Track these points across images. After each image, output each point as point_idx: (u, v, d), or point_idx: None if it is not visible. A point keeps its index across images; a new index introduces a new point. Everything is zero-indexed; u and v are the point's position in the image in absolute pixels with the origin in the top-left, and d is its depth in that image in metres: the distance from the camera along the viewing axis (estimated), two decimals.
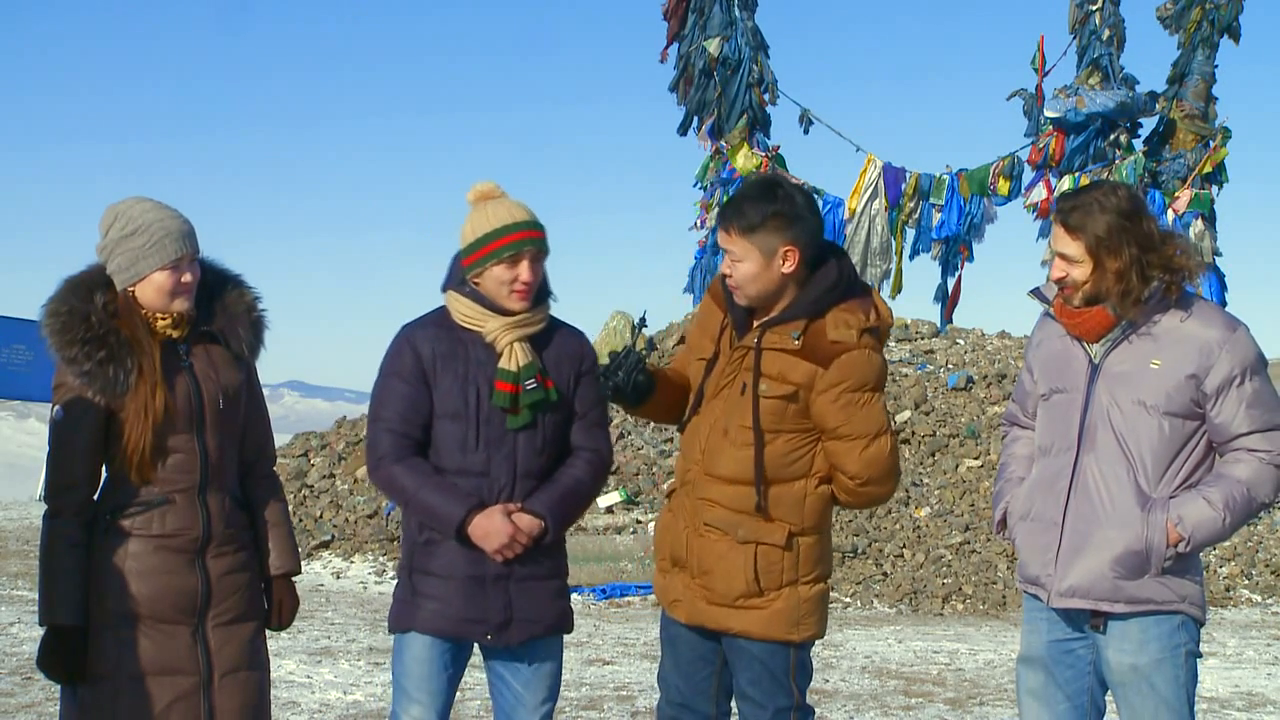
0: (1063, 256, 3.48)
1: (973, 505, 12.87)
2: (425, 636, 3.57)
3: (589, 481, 3.67)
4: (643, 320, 3.71)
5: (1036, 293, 3.69)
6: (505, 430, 3.55)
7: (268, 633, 3.68)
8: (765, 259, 3.48)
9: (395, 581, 3.72)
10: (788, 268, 3.49)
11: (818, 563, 3.58)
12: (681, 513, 3.65)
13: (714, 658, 3.65)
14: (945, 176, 16.73)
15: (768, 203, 3.49)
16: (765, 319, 3.55)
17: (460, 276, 3.62)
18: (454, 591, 3.54)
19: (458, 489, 3.52)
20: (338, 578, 11.74)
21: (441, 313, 3.65)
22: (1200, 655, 3.56)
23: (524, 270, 3.54)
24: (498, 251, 3.53)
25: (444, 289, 3.67)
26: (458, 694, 3.76)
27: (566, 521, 3.63)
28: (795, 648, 3.56)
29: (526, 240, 3.55)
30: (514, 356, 3.54)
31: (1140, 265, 3.40)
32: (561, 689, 7.09)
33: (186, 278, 3.44)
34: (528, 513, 3.54)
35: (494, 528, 3.49)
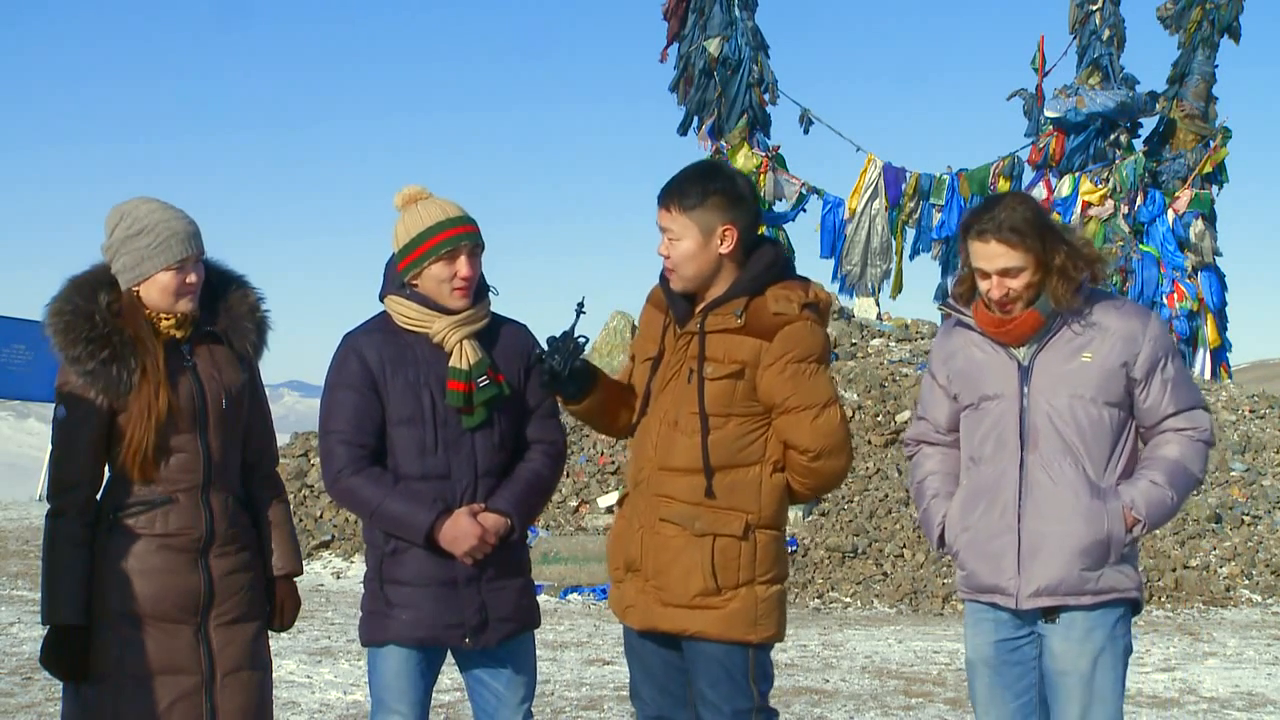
0: (1003, 273, 3.49)
1: None
2: (402, 648, 3.54)
3: (548, 474, 3.66)
4: (581, 305, 3.62)
5: (948, 305, 3.71)
6: (462, 431, 3.52)
7: (268, 633, 3.68)
8: (704, 238, 3.49)
9: (363, 593, 3.66)
10: (725, 248, 3.50)
11: (775, 563, 3.54)
12: (635, 514, 3.61)
13: (684, 664, 3.60)
14: (945, 176, 16.73)
15: (710, 181, 3.52)
16: (706, 304, 3.55)
17: (398, 281, 3.58)
18: (427, 598, 3.50)
19: (422, 495, 3.49)
20: (338, 578, 11.75)
21: (383, 318, 3.61)
22: (1131, 647, 3.65)
23: (462, 265, 3.51)
24: (434, 249, 3.50)
25: (382, 297, 3.64)
26: (461, 694, 3.75)
27: (530, 516, 3.63)
28: (754, 649, 3.51)
29: (462, 235, 3.52)
30: (464, 354, 3.52)
31: (1074, 257, 3.50)
32: (562, 689, 7.11)
33: (191, 278, 3.44)
34: (493, 512, 3.52)
35: (462, 531, 3.47)
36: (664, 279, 3.63)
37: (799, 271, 3.69)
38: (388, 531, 3.53)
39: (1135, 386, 3.53)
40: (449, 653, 3.66)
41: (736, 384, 3.48)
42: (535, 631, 3.73)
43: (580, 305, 3.60)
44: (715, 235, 3.49)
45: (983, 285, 3.54)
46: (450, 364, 3.51)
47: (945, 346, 3.73)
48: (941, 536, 3.71)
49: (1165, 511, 3.53)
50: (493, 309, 3.67)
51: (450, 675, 3.78)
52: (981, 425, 3.61)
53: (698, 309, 3.57)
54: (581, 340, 3.58)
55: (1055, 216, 3.74)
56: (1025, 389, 3.54)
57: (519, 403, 3.63)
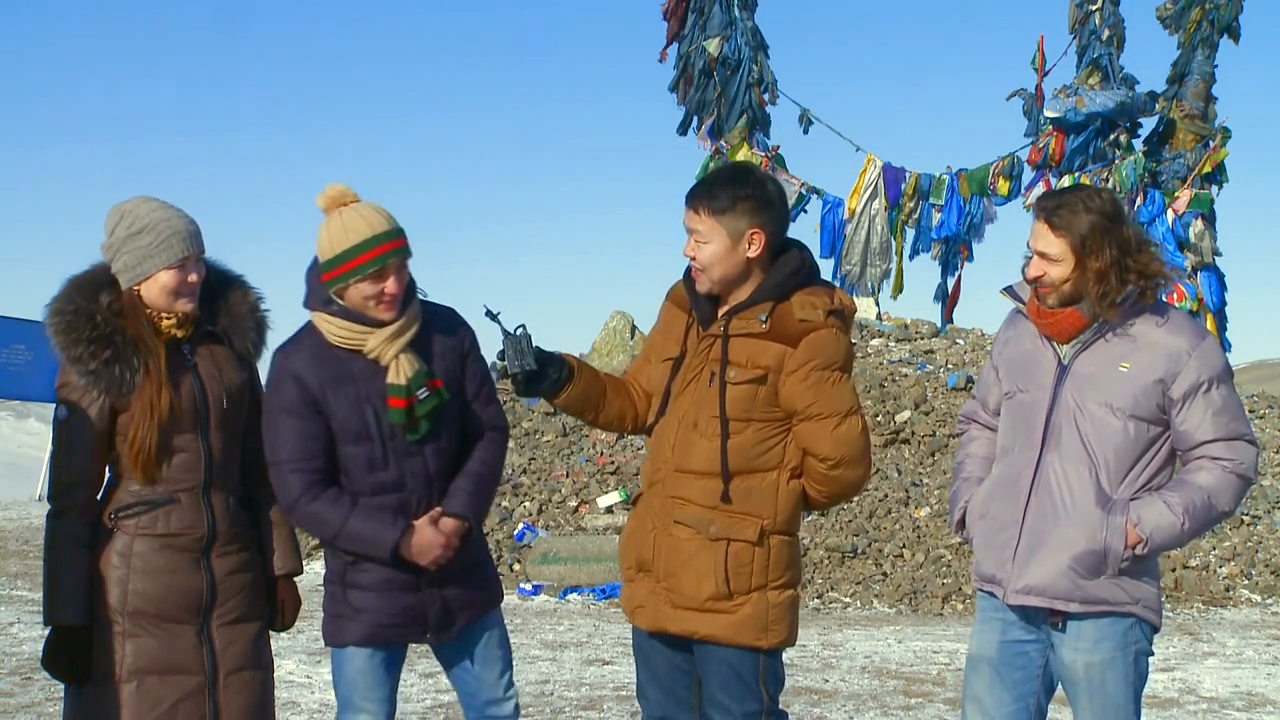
0: (1042, 255, 3.50)
1: None
2: (364, 647, 3.54)
3: (497, 460, 3.66)
4: (489, 312, 3.54)
5: (1009, 291, 3.71)
6: (410, 442, 3.49)
7: (269, 632, 3.68)
8: (732, 241, 3.48)
9: (324, 594, 3.64)
10: (753, 251, 3.49)
11: (788, 567, 3.54)
12: (649, 515, 3.61)
13: (691, 667, 3.61)
14: (945, 176, 16.72)
15: (740, 186, 3.50)
16: (730, 307, 3.54)
17: (324, 295, 3.47)
18: (389, 600, 3.50)
19: (382, 513, 3.45)
20: None
21: (313, 332, 3.50)
22: (1152, 653, 3.59)
23: (390, 284, 3.41)
24: (360, 268, 3.37)
25: (307, 305, 3.53)
26: (455, 698, 3.76)
27: (485, 510, 3.63)
28: (765, 654, 3.52)
29: (390, 253, 3.39)
30: (401, 369, 3.44)
31: (1119, 268, 3.44)
32: (561, 689, 7.11)
33: (192, 277, 3.44)
34: (449, 516, 3.51)
35: (427, 543, 3.47)
36: (688, 278, 3.62)
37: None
38: (351, 551, 3.49)
39: (1172, 406, 3.45)
40: (423, 644, 3.65)
41: (758, 389, 3.46)
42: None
43: (489, 312, 3.54)
44: (743, 239, 3.48)
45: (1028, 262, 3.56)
46: (389, 380, 3.44)
47: (1004, 333, 3.75)
48: (962, 520, 3.72)
49: (1173, 537, 3.44)
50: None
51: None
52: (1014, 416, 3.62)
53: (721, 312, 3.56)
54: (518, 331, 3.51)
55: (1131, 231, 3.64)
56: (1059, 388, 3.52)
57: (460, 396, 3.59)
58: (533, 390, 3.58)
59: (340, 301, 3.45)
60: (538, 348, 3.55)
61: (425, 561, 3.47)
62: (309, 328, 3.53)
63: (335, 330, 3.46)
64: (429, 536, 3.47)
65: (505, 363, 3.52)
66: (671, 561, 3.52)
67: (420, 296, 3.57)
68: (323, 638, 3.64)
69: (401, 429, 3.46)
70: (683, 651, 3.60)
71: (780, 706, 3.60)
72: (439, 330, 3.57)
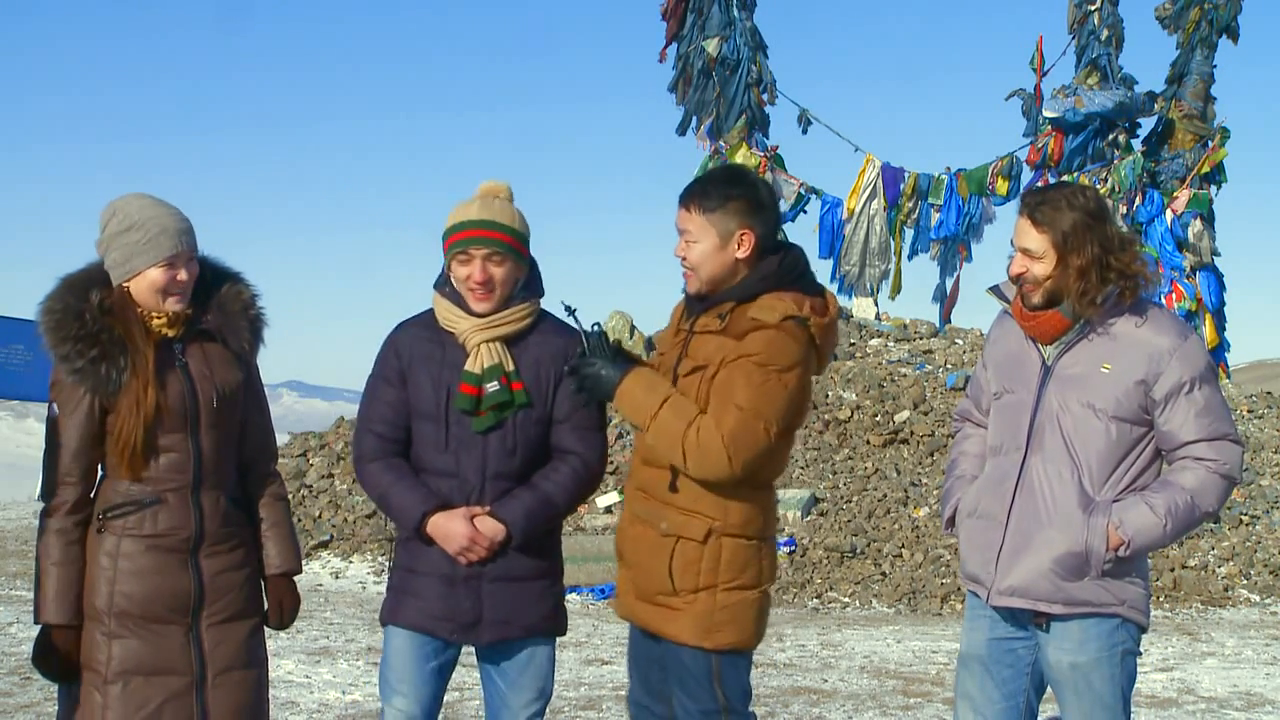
0: (1025, 251, 3.50)
1: None
2: (406, 630, 3.60)
3: (570, 489, 3.60)
4: (568, 308, 3.59)
5: (996, 290, 3.71)
6: (474, 432, 3.54)
7: (267, 632, 3.66)
8: (721, 241, 3.50)
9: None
10: (742, 252, 3.51)
11: (743, 570, 3.48)
12: (625, 507, 3.70)
13: (659, 656, 3.61)
14: (944, 177, 16.71)
15: (732, 186, 3.54)
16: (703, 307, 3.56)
17: (445, 275, 3.66)
18: (429, 588, 3.56)
19: (423, 489, 3.54)
20: (336, 578, 11.73)
21: (430, 312, 3.68)
22: (1139, 653, 3.58)
23: (475, 270, 3.53)
24: (449, 249, 3.58)
25: (434, 286, 3.70)
26: (460, 694, 3.76)
27: (535, 529, 3.56)
28: (715, 655, 3.48)
29: (473, 240, 3.53)
30: (479, 358, 3.54)
31: (1100, 266, 3.43)
32: (560, 689, 7.10)
33: (182, 275, 3.42)
34: (494, 517, 3.52)
35: (452, 530, 3.49)
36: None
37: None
38: (394, 520, 3.63)
39: (1154, 407, 3.43)
40: (469, 649, 3.68)
41: (700, 378, 3.46)
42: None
43: (566, 307, 3.62)
44: (733, 239, 3.50)
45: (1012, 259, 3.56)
46: (465, 367, 3.55)
47: (993, 333, 3.76)
48: (952, 518, 3.74)
49: (1155, 539, 3.42)
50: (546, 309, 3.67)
51: (454, 675, 3.79)
52: (1002, 416, 3.63)
53: None
54: (594, 328, 3.58)
55: (1114, 230, 3.65)
56: (1043, 389, 3.51)
57: (545, 410, 3.60)
58: (604, 393, 3.55)
59: (453, 284, 3.64)
60: (616, 341, 3.60)
61: (450, 550, 3.52)
62: (430, 308, 3.70)
63: (440, 309, 3.65)
64: (455, 527, 3.50)
65: (588, 356, 3.53)
66: (636, 554, 3.57)
67: (551, 314, 3.66)
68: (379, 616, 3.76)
69: (468, 419, 3.54)
70: (656, 644, 3.61)
71: (750, 709, 3.56)
72: (544, 342, 3.63)
